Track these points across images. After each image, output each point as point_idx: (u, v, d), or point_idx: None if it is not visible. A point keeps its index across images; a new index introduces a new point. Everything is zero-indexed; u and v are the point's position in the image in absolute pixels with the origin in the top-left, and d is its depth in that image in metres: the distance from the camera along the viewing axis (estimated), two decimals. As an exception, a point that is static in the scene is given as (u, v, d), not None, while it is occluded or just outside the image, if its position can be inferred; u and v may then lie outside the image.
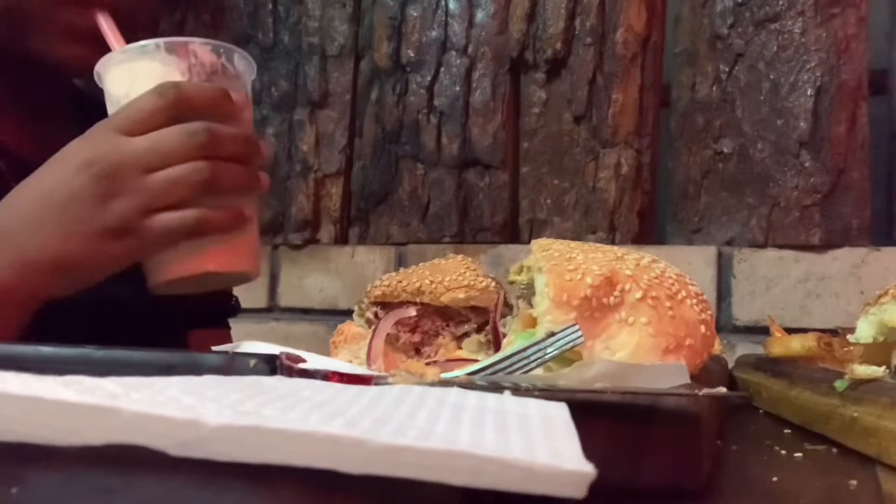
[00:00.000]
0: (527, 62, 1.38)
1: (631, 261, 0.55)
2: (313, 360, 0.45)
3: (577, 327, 0.48)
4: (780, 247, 1.24)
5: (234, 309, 0.97)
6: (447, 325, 0.69)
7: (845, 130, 1.23)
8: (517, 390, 0.38)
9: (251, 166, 0.63)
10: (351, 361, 0.60)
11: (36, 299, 0.61)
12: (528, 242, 0.66)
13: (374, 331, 0.62)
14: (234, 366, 0.43)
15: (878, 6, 1.31)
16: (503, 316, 0.65)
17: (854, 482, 0.39)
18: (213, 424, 0.24)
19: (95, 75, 0.65)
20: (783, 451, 0.47)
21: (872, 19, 1.27)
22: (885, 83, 1.33)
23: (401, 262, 1.41)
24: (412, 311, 0.66)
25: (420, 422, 0.28)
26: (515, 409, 0.32)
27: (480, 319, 0.68)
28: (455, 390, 0.36)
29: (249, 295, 1.31)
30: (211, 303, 0.91)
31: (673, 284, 0.54)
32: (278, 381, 0.38)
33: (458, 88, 1.41)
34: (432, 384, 0.40)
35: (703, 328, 0.54)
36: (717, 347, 0.75)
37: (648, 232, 1.35)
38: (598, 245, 0.58)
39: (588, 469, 0.24)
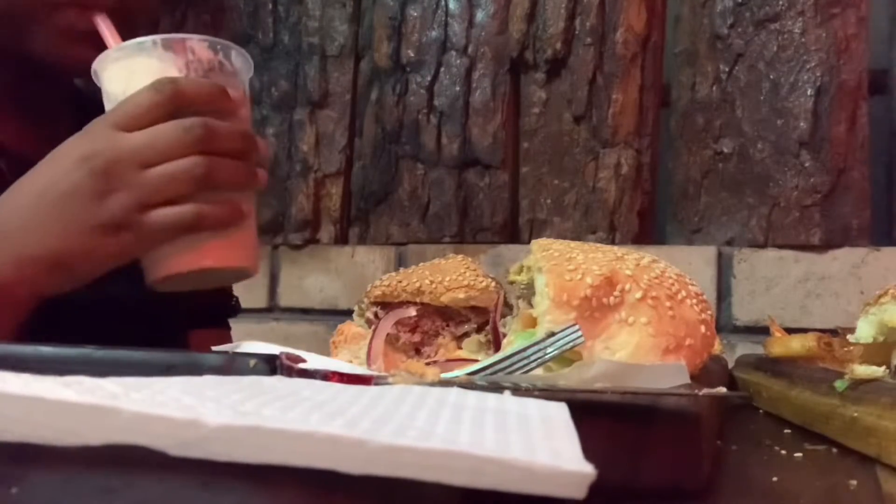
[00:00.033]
0: (527, 62, 1.38)
1: (631, 261, 0.55)
2: (313, 360, 0.45)
3: (577, 327, 0.48)
4: (780, 247, 1.24)
5: (234, 309, 0.97)
6: (447, 325, 0.69)
7: (845, 130, 1.23)
8: (517, 390, 0.38)
9: (248, 162, 0.63)
10: (351, 361, 0.60)
11: (34, 296, 0.61)
12: (528, 242, 0.66)
13: (374, 331, 0.62)
14: (234, 366, 0.43)
15: (878, 6, 1.31)
16: (503, 316, 0.65)
17: (854, 482, 0.39)
18: (213, 424, 0.24)
19: (93, 73, 0.65)
20: (783, 451, 0.47)
21: (872, 19, 1.27)
22: (885, 83, 1.33)
23: (401, 262, 1.41)
24: (412, 311, 0.66)
25: (420, 422, 0.28)
26: (515, 409, 0.32)
27: (480, 319, 0.68)
28: (455, 390, 0.36)
29: (249, 295, 1.31)
30: (211, 303, 0.91)
31: (673, 284, 0.54)
32: (278, 381, 0.38)
33: (458, 88, 1.41)
34: (432, 384, 0.40)
35: (703, 328, 0.54)
36: (717, 347, 0.75)
37: (648, 232, 1.35)
38: (598, 245, 0.58)
39: (588, 469, 0.24)
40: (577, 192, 1.35)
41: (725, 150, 1.28)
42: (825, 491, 0.39)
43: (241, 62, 0.65)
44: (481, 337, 0.67)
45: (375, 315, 0.69)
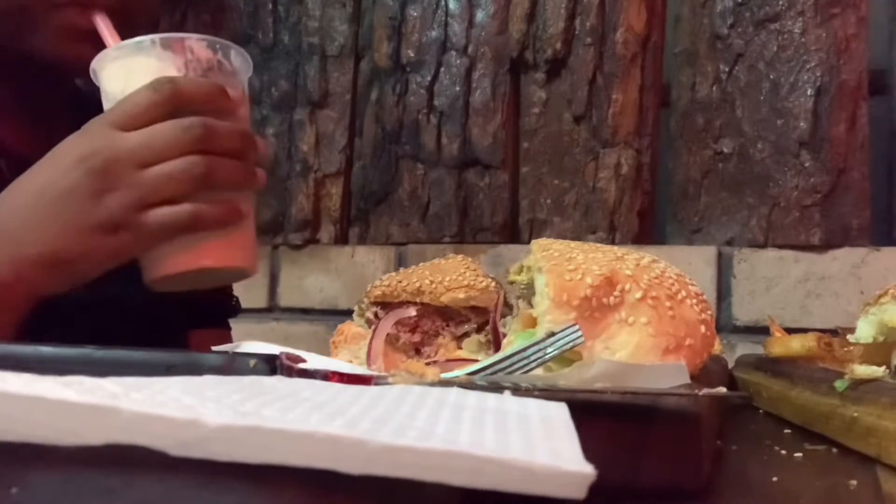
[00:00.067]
0: (527, 62, 1.38)
1: (631, 261, 0.55)
2: (313, 360, 0.45)
3: (577, 327, 0.48)
4: (780, 247, 1.24)
5: (234, 309, 0.97)
6: (447, 325, 0.69)
7: (845, 130, 1.23)
8: (517, 390, 0.38)
9: (247, 162, 0.63)
10: (351, 361, 0.60)
11: (32, 295, 0.61)
12: (528, 242, 0.66)
13: (374, 331, 0.62)
14: (234, 366, 0.43)
15: (878, 6, 1.31)
16: (503, 316, 0.65)
17: (854, 482, 0.39)
18: (213, 424, 0.24)
19: (91, 72, 0.64)
20: (783, 451, 0.47)
21: (872, 19, 1.27)
22: (885, 83, 1.33)
23: (401, 262, 1.41)
24: (412, 311, 0.66)
25: (420, 422, 0.28)
26: (515, 409, 0.32)
27: (480, 319, 0.68)
28: (455, 390, 0.36)
29: (249, 295, 1.31)
30: (211, 303, 0.91)
31: (673, 284, 0.54)
32: (278, 382, 0.38)
33: (458, 88, 1.41)
34: (432, 384, 0.40)
35: (703, 328, 0.54)
36: (717, 347, 0.75)
37: (648, 232, 1.35)
38: (598, 245, 0.58)
39: (588, 470, 0.24)
40: (577, 192, 1.35)
41: (725, 150, 1.28)
42: (825, 491, 0.39)
43: (239, 61, 0.65)
44: (481, 337, 0.67)
45: (375, 315, 0.69)
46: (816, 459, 0.46)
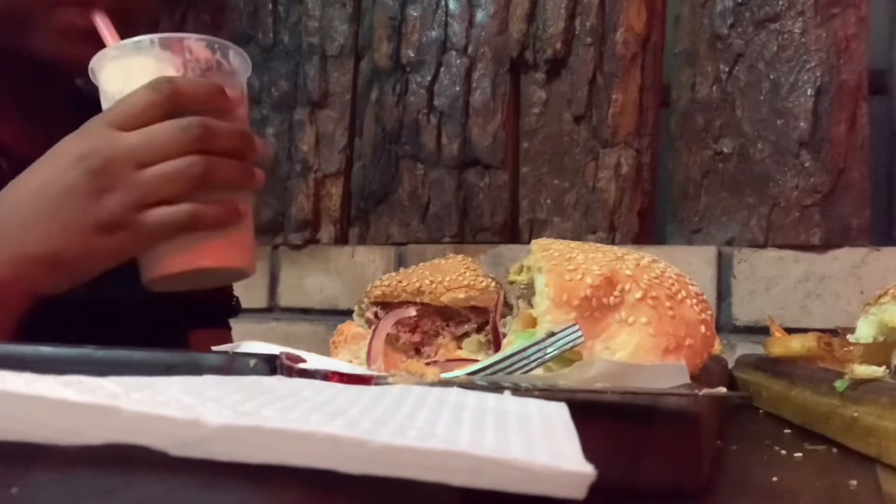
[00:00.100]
0: (527, 62, 1.38)
1: (631, 261, 0.55)
2: (313, 360, 0.45)
3: (577, 327, 0.48)
4: (780, 247, 1.24)
5: (234, 309, 0.97)
6: (447, 325, 0.69)
7: (845, 130, 1.23)
8: (517, 390, 0.38)
9: (246, 162, 0.63)
10: (351, 361, 0.60)
11: (31, 294, 0.61)
12: (528, 242, 0.66)
13: (374, 331, 0.62)
14: (234, 366, 0.43)
15: (878, 6, 1.31)
16: (503, 316, 0.65)
17: (854, 482, 0.39)
18: (213, 424, 0.24)
19: (90, 72, 0.64)
20: (783, 451, 0.47)
21: (872, 19, 1.27)
22: (885, 83, 1.33)
23: (401, 262, 1.41)
24: (412, 311, 0.66)
25: (420, 422, 0.28)
26: (515, 409, 0.32)
27: (480, 319, 0.68)
28: (455, 390, 0.36)
29: (249, 295, 1.31)
30: (211, 303, 0.91)
31: (673, 284, 0.54)
32: (278, 382, 0.38)
33: (458, 88, 1.41)
34: (432, 384, 0.40)
35: (703, 328, 0.54)
36: (717, 347, 0.75)
37: (648, 232, 1.35)
38: (598, 245, 0.58)
39: (588, 470, 0.24)
40: (577, 192, 1.35)
41: (725, 150, 1.28)
42: (825, 491, 0.39)
43: (238, 61, 0.65)
44: (481, 337, 0.67)
45: (375, 315, 0.69)
46: (816, 459, 0.46)
